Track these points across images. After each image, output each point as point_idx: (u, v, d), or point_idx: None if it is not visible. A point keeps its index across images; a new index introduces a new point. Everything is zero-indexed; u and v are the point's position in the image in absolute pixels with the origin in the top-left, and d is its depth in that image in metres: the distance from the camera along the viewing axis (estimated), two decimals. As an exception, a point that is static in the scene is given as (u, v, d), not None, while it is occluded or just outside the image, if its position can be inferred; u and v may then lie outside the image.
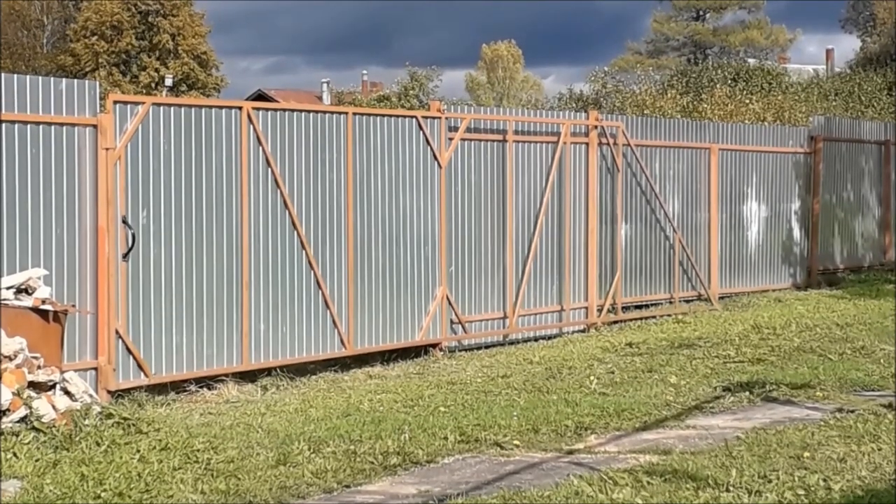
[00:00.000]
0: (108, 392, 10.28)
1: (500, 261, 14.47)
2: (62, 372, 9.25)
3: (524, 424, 9.22)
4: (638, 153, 16.45)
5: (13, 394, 8.57)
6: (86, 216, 10.35)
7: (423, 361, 13.08)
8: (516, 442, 8.72)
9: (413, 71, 46.93)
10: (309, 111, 12.44)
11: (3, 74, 9.91)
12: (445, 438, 8.78)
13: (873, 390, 10.63)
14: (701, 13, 74.72)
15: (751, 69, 39.19)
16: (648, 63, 60.68)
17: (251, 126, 11.64)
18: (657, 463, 7.85)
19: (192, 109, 11.29)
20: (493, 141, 14.46)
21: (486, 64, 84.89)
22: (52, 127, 10.14)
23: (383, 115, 13.27)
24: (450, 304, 13.70)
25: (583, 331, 15.52)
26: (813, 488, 7.08)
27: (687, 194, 17.63)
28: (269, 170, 11.80)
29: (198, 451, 8.29)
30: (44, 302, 9.35)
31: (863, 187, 21.39)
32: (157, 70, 57.26)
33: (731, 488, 7.08)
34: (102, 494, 7.19)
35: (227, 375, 11.31)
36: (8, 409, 8.51)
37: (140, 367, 10.66)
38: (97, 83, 10.89)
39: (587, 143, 15.82)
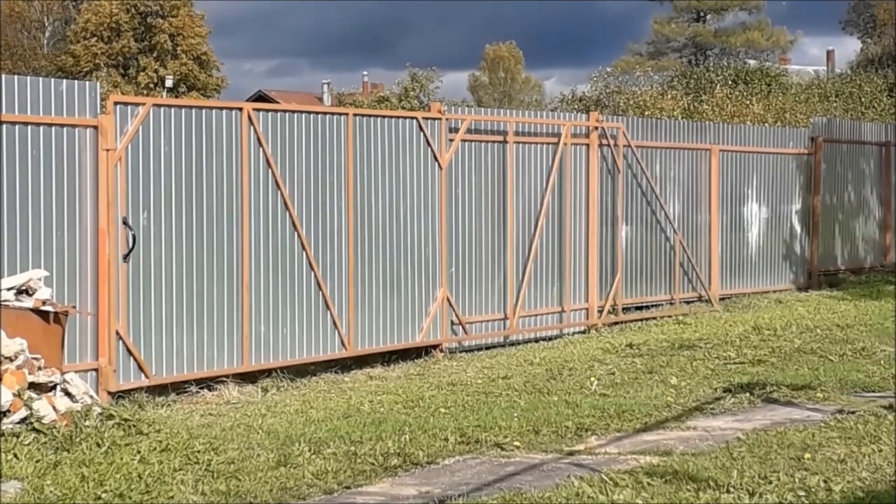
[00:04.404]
0: (109, 393, 10.28)
1: (500, 262, 14.47)
2: (63, 373, 9.25)
3: (525, 425, 9.22)
4: (638, 154, 16.45)
5: (14, 395, 8.57)
6: (86, 217, 10.36)
7: (423, 362, 13.08)
8: (517, 443, 8.72)
9: (414, 72, 46.98)
10: (309, 112, 12.44)
11: (3, 75, 9.92)
12: (446, 440, 8.78)
13: (874, 391, 10.63)
14: (702, 15, 74.68)
15: (750, 70, 39.18)
16: (649, 64, 60.64)
17: (252, 127, 11.64)
18: (658, 464, 7.85)
19: (193, 110, 11.30)
20: (494, 142, 14.46)
21: (488, 64, 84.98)
22: (53, 128, 10.14)
23: (384, 117, 13.27)
24: (450, 305, 13.70)
25: (583, 332, 15.52)
26: (813, 489, 7.08)
27: (687, 195, 17.63)
28: (270, 171, 11.80)
29: (198, 452, 8.29)
30: (44, 303, 9.35)
31: (863, 189, 21.39)
32: (156, 71, 57.28)
33: (732, 489, 7.08)
34: (103, 495, 7.19)
35: (227, 376, 11.31)
36: (8, 411, 8.51)
37: (140, 368, 10.66)
38: (98, 84, 10.89)
39: (588, 145, 15.82)
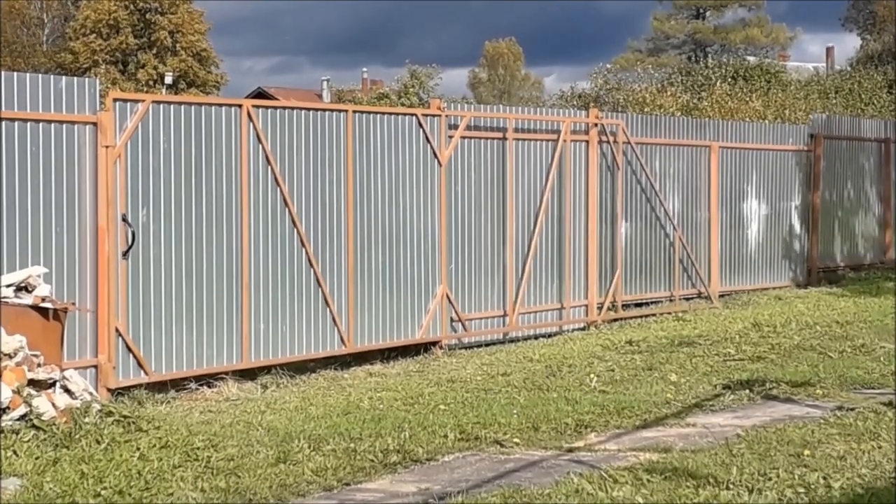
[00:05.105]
0: (108, 390, 10.28)
1: (500, 259, 14.47)
2: (62, 370, 9.25)
3: (524, 422, 9.22)
4: (638, 151, 16.45)
5: (13, 392, 8.57)
6: (86, 214, 10.35)
7: (423, 359, 13.08)
8: (516, 440, 8.72)
9: (413, 69, 46.92)
10: (309, 109, 12.43)
11: (2, 72, 9.91)
12: (445, 436, 8.78)
13: (873, 388, 10.62)
14: (701, 11, 74.65)
15: (749, 67, 39.17)
16: (649, 61, 60.59)
17: (251, 124, 11.63)
18: (657, 461, 7.85)
19: (192, 107, 11.29)
20: (494, 139, 14.46)
21: (488, 62, 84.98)
22: (52, 125, 10.13)
23: (383, 113, 13.26)
24: (450, 302, 13.70)
25: (583, 329, 15.52)
26: (813, 486, 7.08)
27: (687, 192, 17.62)
28: (269, 168, 11.79)
29: (198, 448, 8.29)
30: (44, 300, 9.34)
31: (863, 185, 21.39)
32: (155, 68, 57.27)
33: (732, 486, 7.08)
34: (102, 492, 7.19)
35: (226, 373, 11.31)
36: (8, 407, 8.51)
37: (140, 365, 10.66)
38: (97, 81, 10.88)
39: (587, 141, 15.81)
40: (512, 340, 14.51)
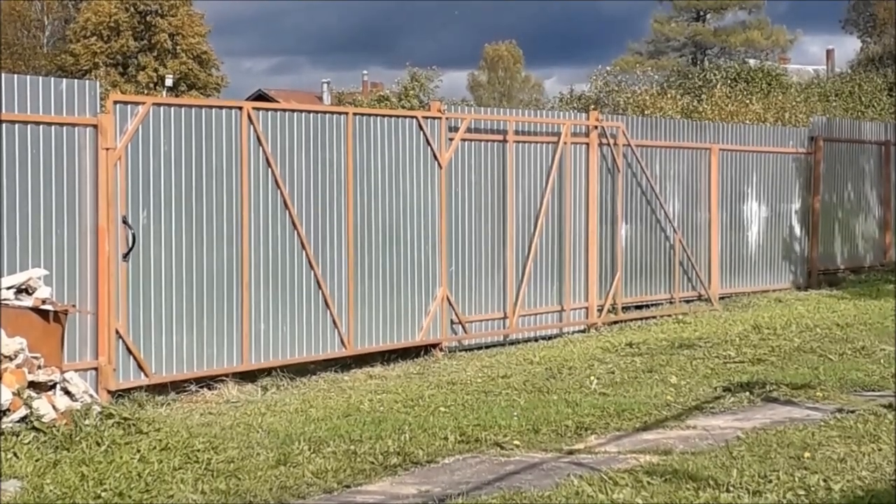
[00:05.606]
0: (109, 392, 10.28)
1: (500, 261, 14.47)
2: (62, 372, 9.24)
3: (524, 424, 9.22)
4: (638, 153, 16.45)
5: (13, 394, 8.57)
6: (86, 216, 10.35)
7: (423, 361, 13.08)
8: (516, 442, 8.72)
9: (413, 71, 46.91)
10: (309, 111, 12.44)
11: (3, 74, 9.91)
12: (446, 438, 8.79)
13: (873, 391, 10.63)
14: (701, 14, 74.68)
15: (750, 69, 39.19)
16: (649, 64, 60.58)
17: (251, 126, 11.64)
18: (657, 463, 7.85)
19: (193, 109, 11.29)
20: (494, 141, 14.46)
21: (487, 64, 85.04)
22: (53, 127, 10.13)
23: (383, 116, 13.27)
24: (450, 304, 13.70)
25: (583, 331, 15.52)
26: (813, 488, 7.08)
27: (687, 194, 17.63)
28: (270, 170, 11.80)
29: (198, 451, 8.29)
30: (44, 302, 9.35)
31: (863, 188, 21.40)
32: (155, 70, 57.31)
33: (732, 488, 7.08)
34: (103, 494, 7.19)
35: (227, 375, 11.31)
36: (8, 409, 8.51)
37: (140, 367, 10.66)
38: (97, 83, 10.89)
39: (587, 144, 15.82)
40: (512, 342, 14.51)
